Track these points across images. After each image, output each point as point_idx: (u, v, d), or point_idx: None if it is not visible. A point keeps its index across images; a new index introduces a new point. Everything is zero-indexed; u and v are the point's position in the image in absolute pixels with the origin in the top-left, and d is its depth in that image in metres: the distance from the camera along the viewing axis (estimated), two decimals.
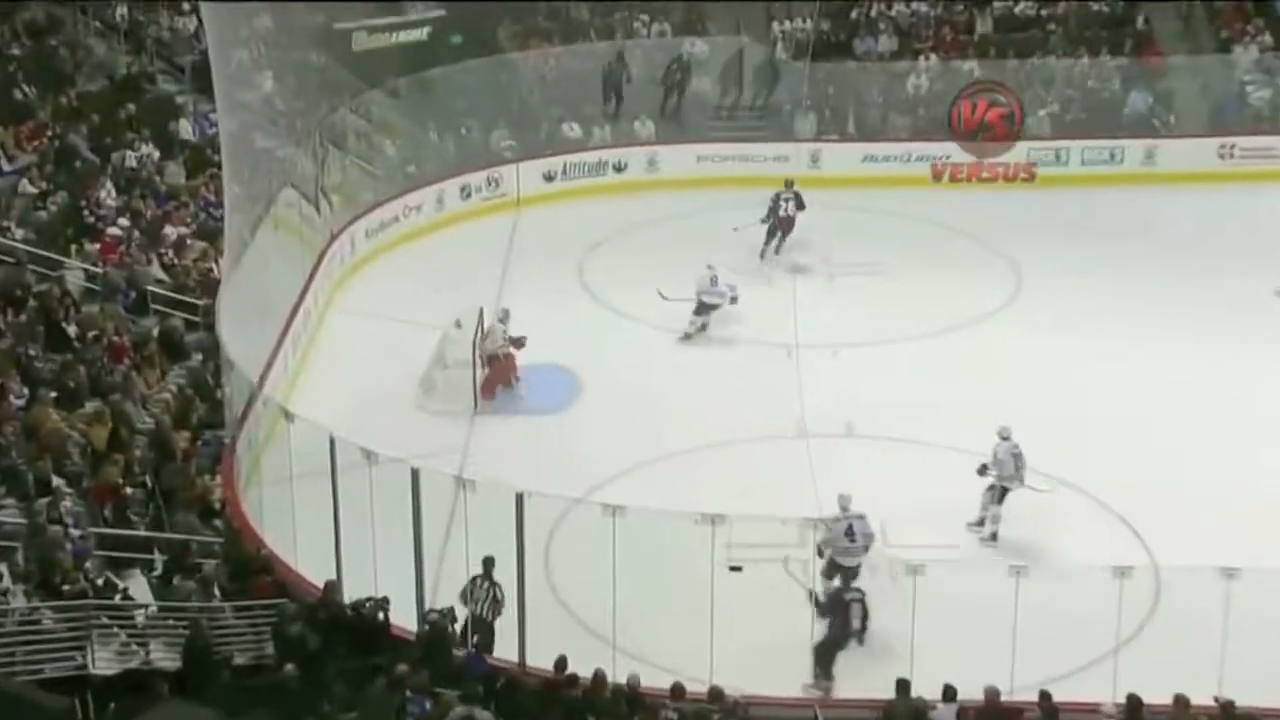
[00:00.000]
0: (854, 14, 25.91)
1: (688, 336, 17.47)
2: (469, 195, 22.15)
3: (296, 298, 17.16)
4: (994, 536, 13.72)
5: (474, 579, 11.87)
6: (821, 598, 11.79)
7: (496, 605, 11.77)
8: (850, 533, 12.49)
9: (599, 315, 18.46)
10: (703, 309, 17.48)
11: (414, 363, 16.46)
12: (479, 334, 16.35)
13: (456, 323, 16.55)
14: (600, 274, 19.85)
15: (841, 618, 11.72)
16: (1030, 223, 21.58)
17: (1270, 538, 12.88)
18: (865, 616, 11.70)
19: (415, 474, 11.99)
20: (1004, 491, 13.76)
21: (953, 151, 23.18)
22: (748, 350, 17.39)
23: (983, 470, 13.72)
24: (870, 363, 17.04)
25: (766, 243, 19.89)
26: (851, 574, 12.26)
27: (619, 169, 23.39)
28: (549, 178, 22.92)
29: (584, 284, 19.53)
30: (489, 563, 11.84)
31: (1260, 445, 14.89)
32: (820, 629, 11.75)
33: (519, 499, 11.61)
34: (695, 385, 16.61)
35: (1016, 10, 25.82)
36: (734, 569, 11.44)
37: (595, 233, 21.16)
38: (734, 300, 17.46)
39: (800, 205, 19.83)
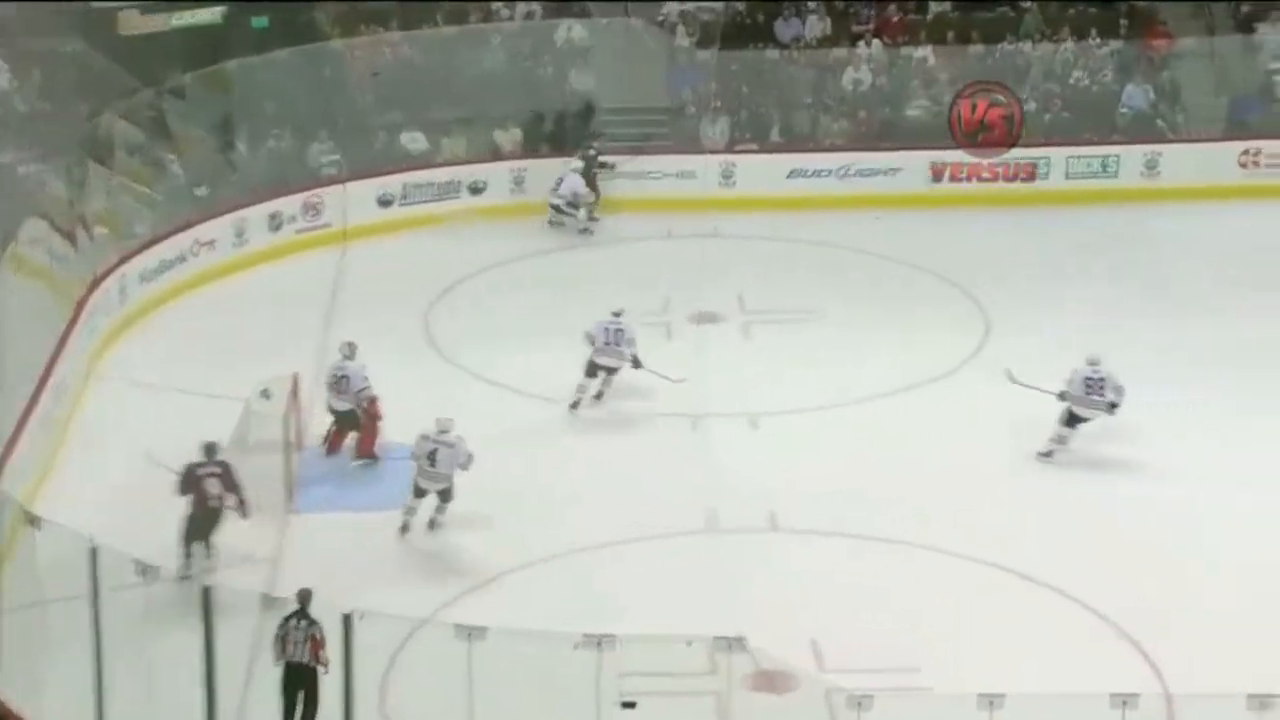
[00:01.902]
0: None
1: (575, 406, 17.75)
2: (279, 225, 22.23)
3: (45, 364, 17.05)
4: (1049, 454, 16.74)
5: (286, 619, 12.21)
6: None
7: (316, 646, 12.17)
8: (433, 457, 15.25)
9: (452, 379, 18.55)
10: (595, 371, 17.79)
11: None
12: (335, 387, 16.65)
13: (263, 393, 16.56)
14: (452, 326, 19.94)
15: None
16: (1001, 251, 22.26)
17: None
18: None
19: (206, 593, 12.01)
20: (1072, 416, 16.68)
21: (907, 163, 24.02)
22: (643, 422, 17.66)
23: (1061, 396, 16.59)
24: (800, 434, 17.34)
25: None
26: None
27: (476, 190, 23.68)
28: (384, 202, 23.14)
29: (431, 339, 19.62)
30: (306, 597, 12.29)
31: None
32: None
33: (346, 621, 11.70)
34: (578, 468, 16.77)
35: None
36: (627, 705, 11.65)
37: (445, 273, 21.31)
38: (635, 364, 17.78)
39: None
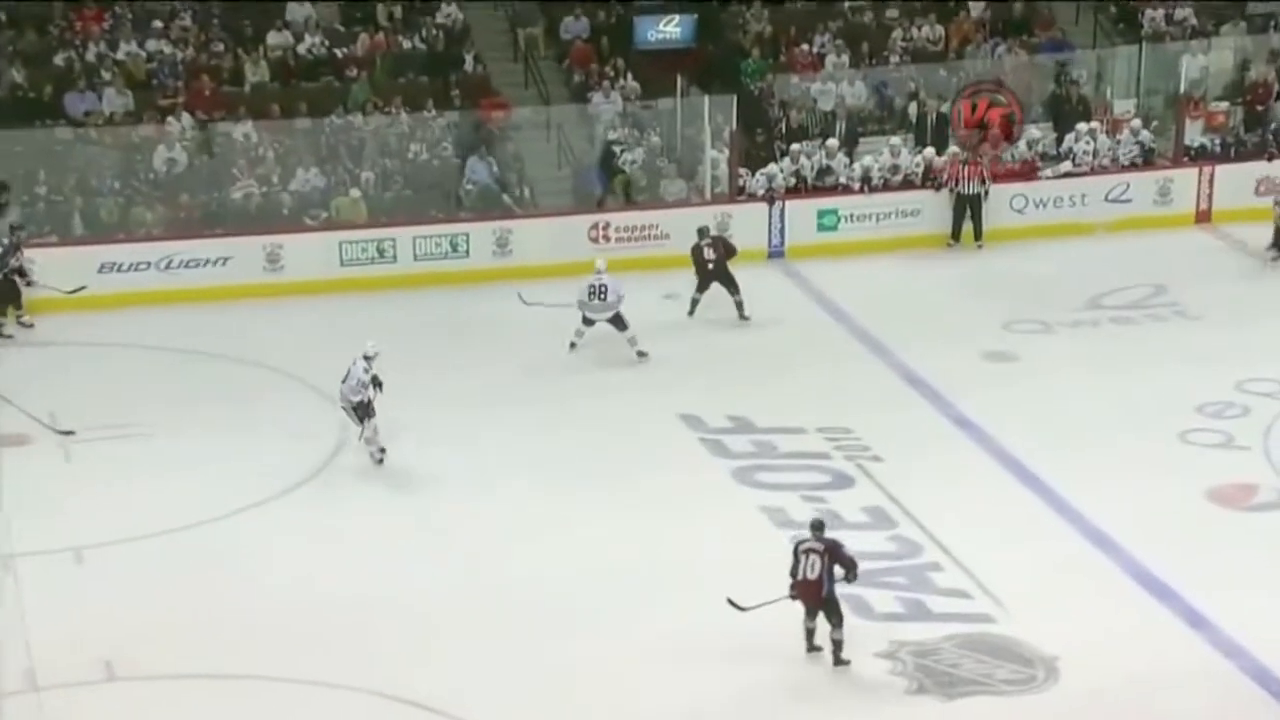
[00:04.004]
0: (61, 58, 25.39)
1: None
2: None
3: None
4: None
5: None
6: None
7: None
8: None
9: None
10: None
11: None
12: None
13: None
14: None
15: None
16: (350, 339, 21.88)
17: None
18: None
19: None
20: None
21: (239, 250, 23.34)
22: None
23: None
24: (140, 563, 16.43)
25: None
26: None
27: None
28: None
29: None
30: None
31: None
32: None
33: None
34: None
35: (300, 50, 26.45)
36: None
37: None
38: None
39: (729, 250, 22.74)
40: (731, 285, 22.42)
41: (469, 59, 26.98)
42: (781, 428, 19.29)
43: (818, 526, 14.83)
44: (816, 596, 14.61)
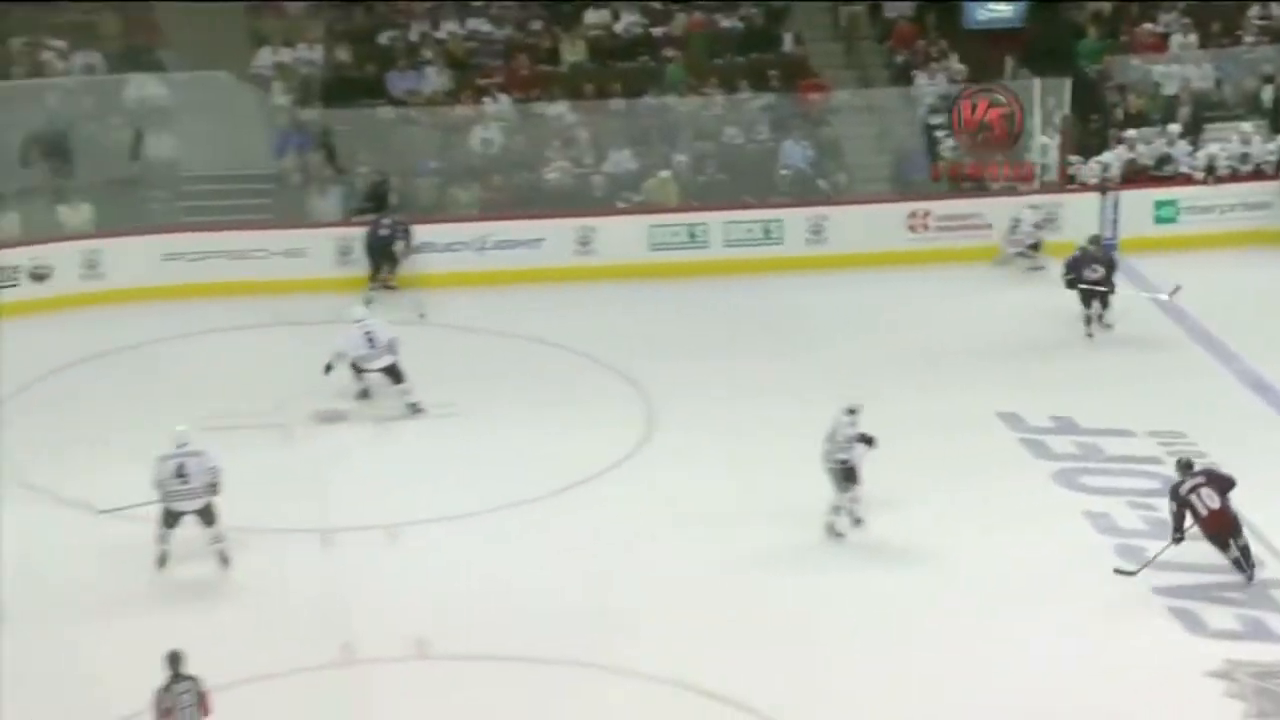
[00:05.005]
0: (385, 37, 26.30)
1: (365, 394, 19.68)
2: None
3: None
4: None
5: (165, 689, 12.62)
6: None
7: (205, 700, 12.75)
8: (182, 472, 15.88)
9: (27, 507, 17.50)
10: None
11: None
12: None
13: None
14: (20, 441, 18.96)
15: None
16: (659, 327, 22.43)
17: None
18: None
19: None
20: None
21: (550, 232, 23.98)
22: (261, 540, 16.83)
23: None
24: (447, 546, 16.88)
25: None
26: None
27: (39, 277, 22.85)
28: None
29: None
30: (175, 659, 12.78)
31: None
32: None
33: None
34: (186, 596, 16.00)
35: (618, 29, 26.99)
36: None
37: (7, 377, 20.25)
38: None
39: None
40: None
41: (788, 38, 27.12)
42: (1108, 429, 19.02)
43: (1188, 465, 15.83)
44: (1228, 522, 15.48)
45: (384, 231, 23.45)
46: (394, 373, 19.45)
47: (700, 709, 14.15)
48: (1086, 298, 21.64)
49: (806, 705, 14.12)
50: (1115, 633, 14.87)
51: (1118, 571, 15.41)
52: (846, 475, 16.60)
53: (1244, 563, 15.59)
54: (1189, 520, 15.51)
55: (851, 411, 16.68)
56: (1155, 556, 15.46)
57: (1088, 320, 21.67)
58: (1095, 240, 22.19)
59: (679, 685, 14.39)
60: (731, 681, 14.32)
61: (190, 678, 12.81)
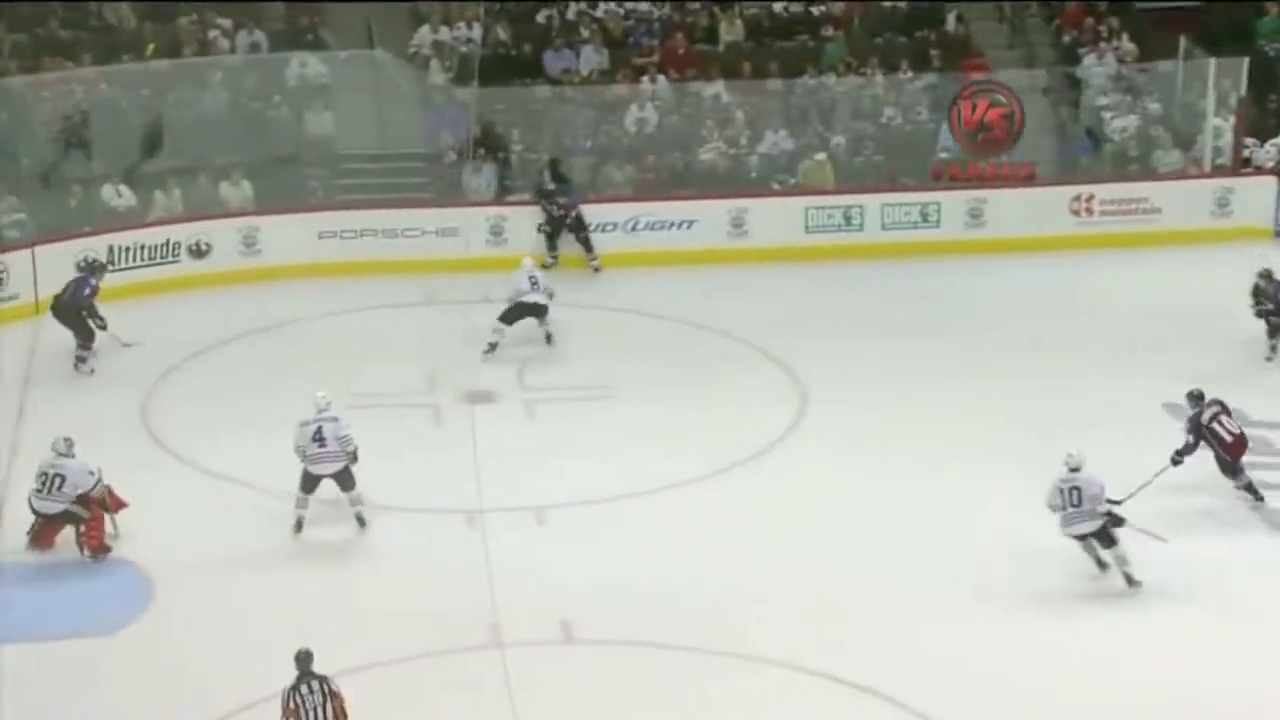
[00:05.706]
0: (542, 16, 26.49)
1: (492, 347, 20.47)
2: None
3: None
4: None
5: (294, 689, 12.66)
6: None
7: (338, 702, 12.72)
8: (319, 435, 16.40)
9: (178, 479, 17.96)
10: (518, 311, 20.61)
11: None
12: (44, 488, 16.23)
13: None
14: (176, 414, 19.41)
15: None
16: (813, 310, 22.40)
17: None
18: None
19: None
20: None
21: (703, 213, 23.98)
22: (409, 520, 17.18)
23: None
24: (594, 528, 17.02)
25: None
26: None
27: (199, 253, 23.24)
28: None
29: (151, 431, 19.06)
30: (307, 657, 12.83)
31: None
32: None
33: None
34: (333, 576, 16.28)
35: (776, 8, 26.96)
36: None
37: (166, 352, 20.78)
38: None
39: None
40: None
41: (951, 18, 27.02)
42: (1278, 423, 18.82)
43: (1200, 396, 16.70)
44: (1245, 445, 16.63)
45: (558, 211, 23.69)
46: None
47: (846, 698, 14.23)
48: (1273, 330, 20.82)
49: (961, 698, 14.14)
50: None
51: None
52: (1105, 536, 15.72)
53: (1254, 487, 16.63)
54: (1209, 449, 16.52)
55: (1075, 470, 15.67)
56: (1153, 479, 16.25)
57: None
58: (1267, 275, 20.72)
59: (819, 675, 14.50)
60: (868, 670, 14.46)
61: (320, 677, 12.78)
